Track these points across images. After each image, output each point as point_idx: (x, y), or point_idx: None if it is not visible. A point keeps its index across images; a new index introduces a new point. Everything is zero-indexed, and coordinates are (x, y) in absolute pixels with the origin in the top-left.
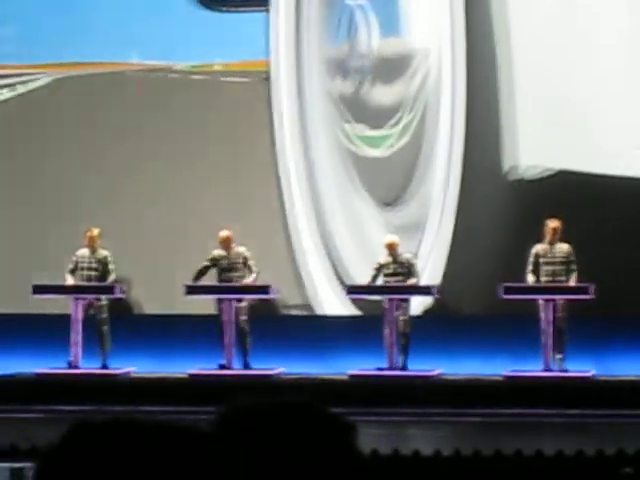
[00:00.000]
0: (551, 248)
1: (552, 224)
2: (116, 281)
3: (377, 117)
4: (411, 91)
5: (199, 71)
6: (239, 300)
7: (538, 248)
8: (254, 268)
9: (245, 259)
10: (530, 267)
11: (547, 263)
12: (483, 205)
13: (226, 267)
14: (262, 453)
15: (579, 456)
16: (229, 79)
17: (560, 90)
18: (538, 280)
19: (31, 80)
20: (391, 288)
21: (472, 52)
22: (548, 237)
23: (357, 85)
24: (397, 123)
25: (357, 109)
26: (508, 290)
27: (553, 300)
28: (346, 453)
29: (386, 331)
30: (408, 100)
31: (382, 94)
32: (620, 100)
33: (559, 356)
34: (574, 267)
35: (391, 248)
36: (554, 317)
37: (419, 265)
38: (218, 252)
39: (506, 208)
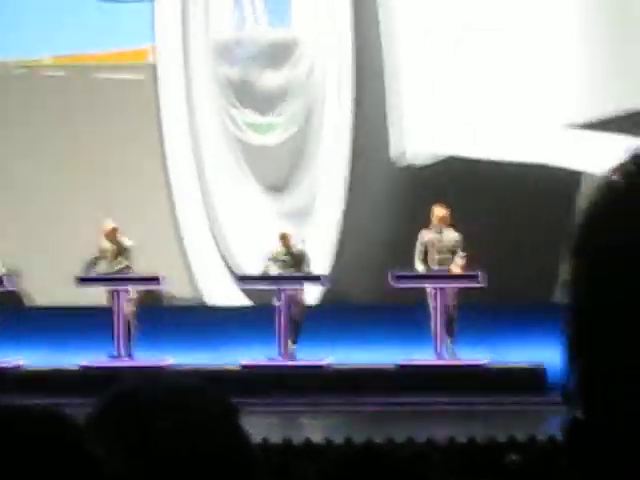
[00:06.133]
0: (439, 236)
1: (439, 211)
2: (6, 274)
3: (264, 104)
4: (298, 79)
5: (78, 61)
6: (129, 291)
7: (426, 236)
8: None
9: (126, 250)
10: (419, 255)
11: (436, 251)
12: (372, 192)
13: (113, 259)
14: (139, 435)
15: (470, 443)
16: (116, 70)
17: (448, 76)
18: (428, 268)
19: None
20: (281, 278)
21: (359, 41)
22: (435, 224)
23: (244, 72)
24: (284, 110)
25: (244, 95)
26: (398, 278)
27: (442, 288)
28: (231, 435)
29: (278, 322)
30: (295, 88)
31: (269, 81)
32: (508, 86)
33: (450, 344)
34: (462, 254)
35: (284, 239)
36: (445, 305)
37: (309, 253)
38: (105, 244)
39: (395, 195)
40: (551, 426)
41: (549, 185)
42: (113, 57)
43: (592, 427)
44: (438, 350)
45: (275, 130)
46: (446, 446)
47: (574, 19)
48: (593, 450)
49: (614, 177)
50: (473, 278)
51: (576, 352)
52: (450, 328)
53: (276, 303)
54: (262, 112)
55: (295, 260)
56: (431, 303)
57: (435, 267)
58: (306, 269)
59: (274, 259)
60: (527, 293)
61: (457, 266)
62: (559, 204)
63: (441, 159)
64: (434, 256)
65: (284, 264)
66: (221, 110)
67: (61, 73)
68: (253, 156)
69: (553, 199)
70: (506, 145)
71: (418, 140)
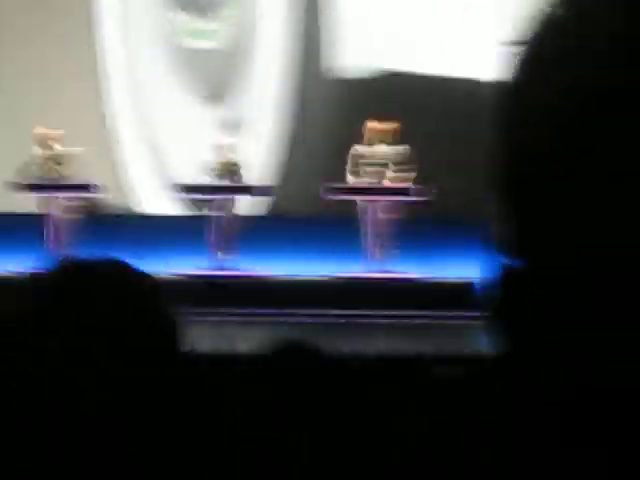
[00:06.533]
0: (371, 149)
1: (371, 125)
2: None
3: (202, 8)
4: None
5: None
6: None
7: (358, 149)
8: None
9: (59, 157)
10: (350, 168)
11: (367, 164)
12: (308, 105)
13: (45, 166)
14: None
15: (398, 357)
16: None
17: None
18: (358, 182)
19: None
20: (216, 188)
21: None
22: (367, 138)
23: None
24: (221, 15)
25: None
26: (330, 190)
27: (373, 201)
28: (153, 309)
29: (210, 232)
30: None
31: None
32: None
33: (379, 256)
34: (395, 168)
35: (218, 149)
36: (375, 219)
37: (245, 163)
38: (37, 150)
39: (331, 107)
40: (479, 341)
41: (487, 102)
42: None
43: (524, 277)
44: (369, 264)
45: (211, 34)
46: (374, 360)
47: None
48: (523, 299)
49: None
50: (404, 192)
51: (511, 199)
52: (382, 242)
53: (209, 213)
54: (200, 17)
55: (229, 170)
56: (361, 216)
57: (366, 179)
58: (239, 180)
59: (208, 169)
60: (463, 211)
61: (389, 180)
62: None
63: (378, 73)
64: (365, 169)
65: (218, 174)
66: (157, 15)
67: None
68: (189, 62)
69: (490, 116)
70: (442, 59)
71: (354, 53)
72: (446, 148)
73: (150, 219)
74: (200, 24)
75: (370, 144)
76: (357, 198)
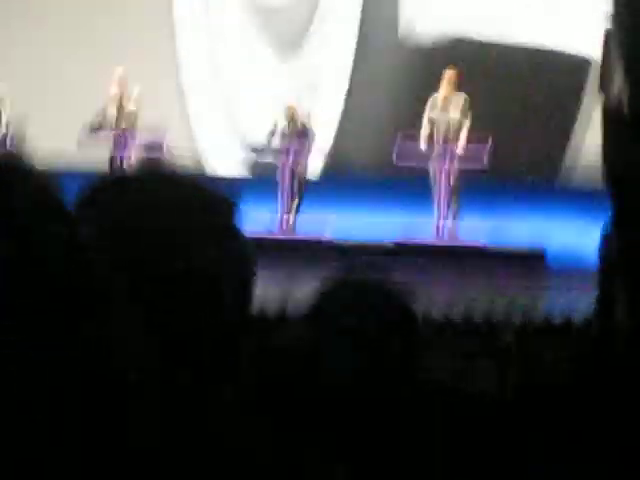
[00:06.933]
0: (445, 114)
1: (449, 73)
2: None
3: None
4: None
5: None
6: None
7: (431, 112)
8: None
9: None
10: (424, 130)
11: (441, 128)
12: (378, 69)
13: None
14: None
15: (466, 323)
16: None
17: None
18: (432, 141)
19: None
20: (287, 150)
21: None
22: (444, 89)
23: None
24: None
25: None
26: (401, 155)
27: (446, 168)
28: (228, 229)
29: (279, 193)
30: None
31: None
32: None
33: (451, 221)
34: (467, 120)
35: (290, 111)
36: (447, 184)
37: (315, 122)
38: (111, 109)
39: (402, 73)
40: (548, 309)
41: (559, 70)
42: None
43: None
44: (439, 228)
45: None
46: (441, 325)
47: None
48: None
49: None
50: (477, 160)
51: None
52: (452, 205)
53: (277, 174)
54: None
55: (299, 133)
56: (433, 180)
57: (440, 144)
58: (309, 143)
59: (278, 131)
60: (532, 172)
61: (461, 146)
62: (569, 89)
63: (450, 40)
64: (439, 133)
65: (288, 136)
66: None
67: None
68: (265, 19)
69: (563, 84)
70: (517, 28)
71: (428, 19)
72: (519, 115)
73: (218, 180)
74: None
75: (444, 108)
76: (430, 165)
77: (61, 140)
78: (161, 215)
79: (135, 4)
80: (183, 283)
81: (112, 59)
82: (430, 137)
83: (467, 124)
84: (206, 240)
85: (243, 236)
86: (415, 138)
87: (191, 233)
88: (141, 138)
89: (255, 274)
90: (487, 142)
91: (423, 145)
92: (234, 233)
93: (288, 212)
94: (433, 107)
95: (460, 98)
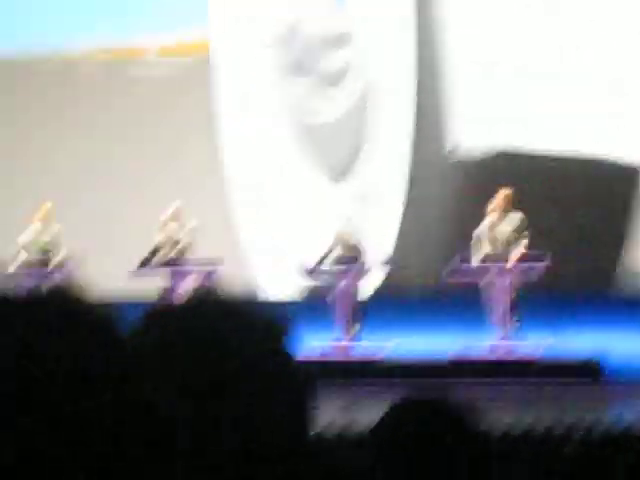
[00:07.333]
0: (502, 217)
1: (503, 194)
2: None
3: (324, 80)
4: (357, 58)
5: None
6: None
7: (491, 216)
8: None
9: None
10: (475, 246)
11: (490, 243)
12: (432, 184)
13: (169, 251)
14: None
15: (526, 434)
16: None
17: (504, 68)
18: (488, 259)
19: None
20: (340, 272)
21: (420, 32)
22: (499, 207)
23: (303, 54)
24: (343, 88)
25: (302, 74)
26: (456, 275)
27: (505, 271)
28: (277, 352)
29: (335, 313)
30: (354, 67)
31: (329, 62)
32: (565, 79)
33: (505, 329)
34: (524, 239)
35: (341, 234)
36: (508, 288)
37: (369, 238)
38: (161, 236)
39: (451, 187)
40: (607, 419)
41: (607, 178)
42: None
43: None
44: (501, 336)
45: (335, 107)
46: (502, 436)
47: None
48: None
49: None
50: (538, 259)
51: None
52: (511, 321)
53: (330, 298)
54: (322, 90)
55: (352, 257)
56: (489, 298)
57: (496, 249)
58: (363, 266)
59: (331, 255)
60: (587, 283)
61: (518, 253)
62: (617, 197)
63: (497, 153)
64: (496, 236)
65: (341, 260)
66: (281, 89)
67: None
68: (312, 138)
69: (611, 193)
70: (563, 138)
71: (474, 133)
72: (570, 225)
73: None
74: (321, 97)
75: (504, 212)
76: (486, 272)
77: (116, 276)
78: (211, 343)
79: (180, 141)
80: (235, 410)
81: (164, 195)
82: (487, 256)
83: (524, 242)
84: (255, 366)
85: (296, 360)
86: (469, 257)
87: (242, 362)
88: (195, 269)
89: (313, 398)
90: (543, 259)
91: (478, 264)
92: (285, 358)
93: (346, 336)
94: (491, 226)
95: (516, 217)
